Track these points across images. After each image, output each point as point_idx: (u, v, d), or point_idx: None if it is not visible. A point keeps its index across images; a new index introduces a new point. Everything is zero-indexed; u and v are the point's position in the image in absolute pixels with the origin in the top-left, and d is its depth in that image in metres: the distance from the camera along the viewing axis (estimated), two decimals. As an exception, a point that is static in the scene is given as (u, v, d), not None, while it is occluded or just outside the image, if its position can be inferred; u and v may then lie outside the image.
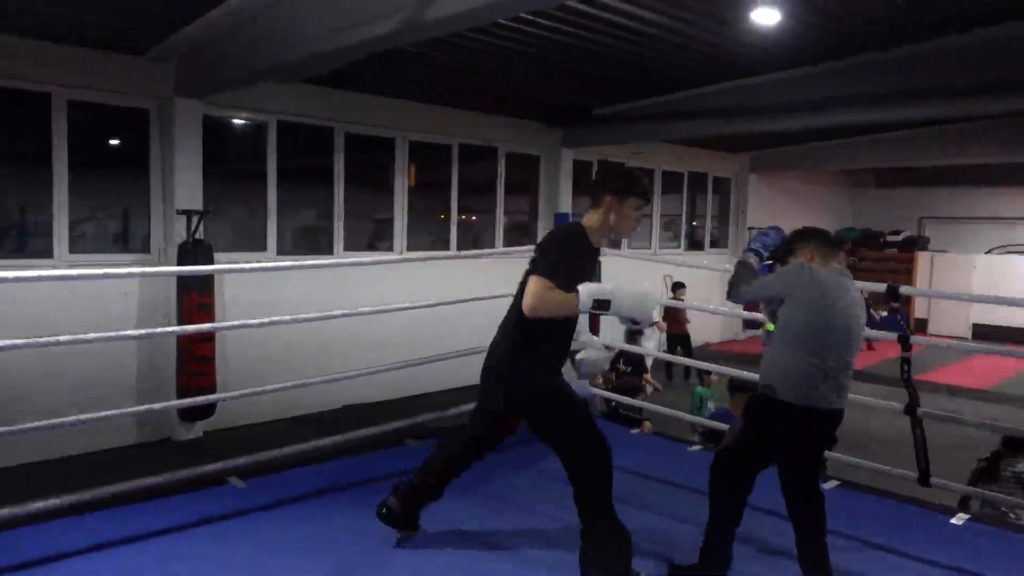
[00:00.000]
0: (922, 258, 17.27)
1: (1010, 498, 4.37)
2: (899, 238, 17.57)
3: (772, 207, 15.57)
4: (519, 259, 5.01)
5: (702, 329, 13.41)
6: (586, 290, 2.67)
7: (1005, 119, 10.76)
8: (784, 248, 2.98)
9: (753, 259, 3.01)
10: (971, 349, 7.43)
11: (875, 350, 10.71)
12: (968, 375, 11.00)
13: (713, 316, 13.91)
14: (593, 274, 2.92)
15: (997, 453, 5.17)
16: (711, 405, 6.88)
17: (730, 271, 3.07)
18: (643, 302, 2.77)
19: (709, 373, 7.06)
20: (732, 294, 3.01)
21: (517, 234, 10.89)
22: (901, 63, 7.23)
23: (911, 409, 3.70)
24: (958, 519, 3.77)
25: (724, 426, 4.74)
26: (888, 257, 17.53)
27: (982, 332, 14.62)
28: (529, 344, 2.81)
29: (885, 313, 17.24)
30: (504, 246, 10.43)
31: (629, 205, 2.82)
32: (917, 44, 6.99)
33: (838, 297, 2.74)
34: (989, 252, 16.83)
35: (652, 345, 8.55)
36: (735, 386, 5.31)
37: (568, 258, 2.75)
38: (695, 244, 14.57)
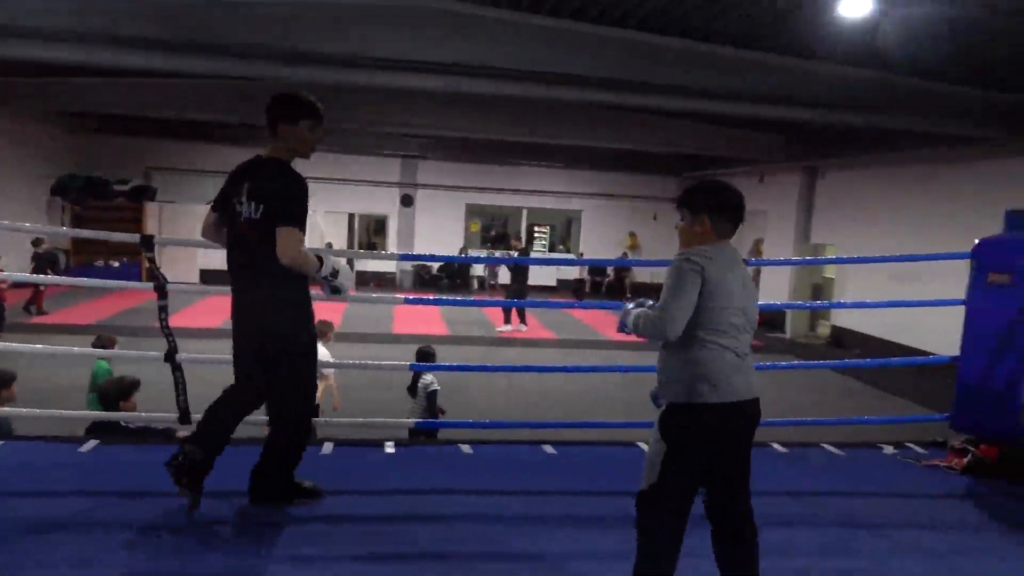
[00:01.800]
0: (151, 208, 17.50)
1: (409, 420, 5.36)
2: (127, 187, 17.35)
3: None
4: None
5: None
6: (330, 260, 2.95)
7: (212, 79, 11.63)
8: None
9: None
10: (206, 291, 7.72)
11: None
12: (201, 316, 11.97)
13: None
14: None
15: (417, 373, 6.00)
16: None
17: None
18: (348, 273, 3.11)
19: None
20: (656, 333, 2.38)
21: None
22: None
23: (170, 356, 3.77)
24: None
25: None
26: (118, 207, 17.15)
27: (209, 276, 15.75)
28: (293, 291, 2.95)
29: (118, 264, 17.02)
30: None
31: (303, 127, 2.91)
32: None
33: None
34: (210, 203, 18.20)
35: None
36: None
37: (304, 208, 2.83)
38: None
